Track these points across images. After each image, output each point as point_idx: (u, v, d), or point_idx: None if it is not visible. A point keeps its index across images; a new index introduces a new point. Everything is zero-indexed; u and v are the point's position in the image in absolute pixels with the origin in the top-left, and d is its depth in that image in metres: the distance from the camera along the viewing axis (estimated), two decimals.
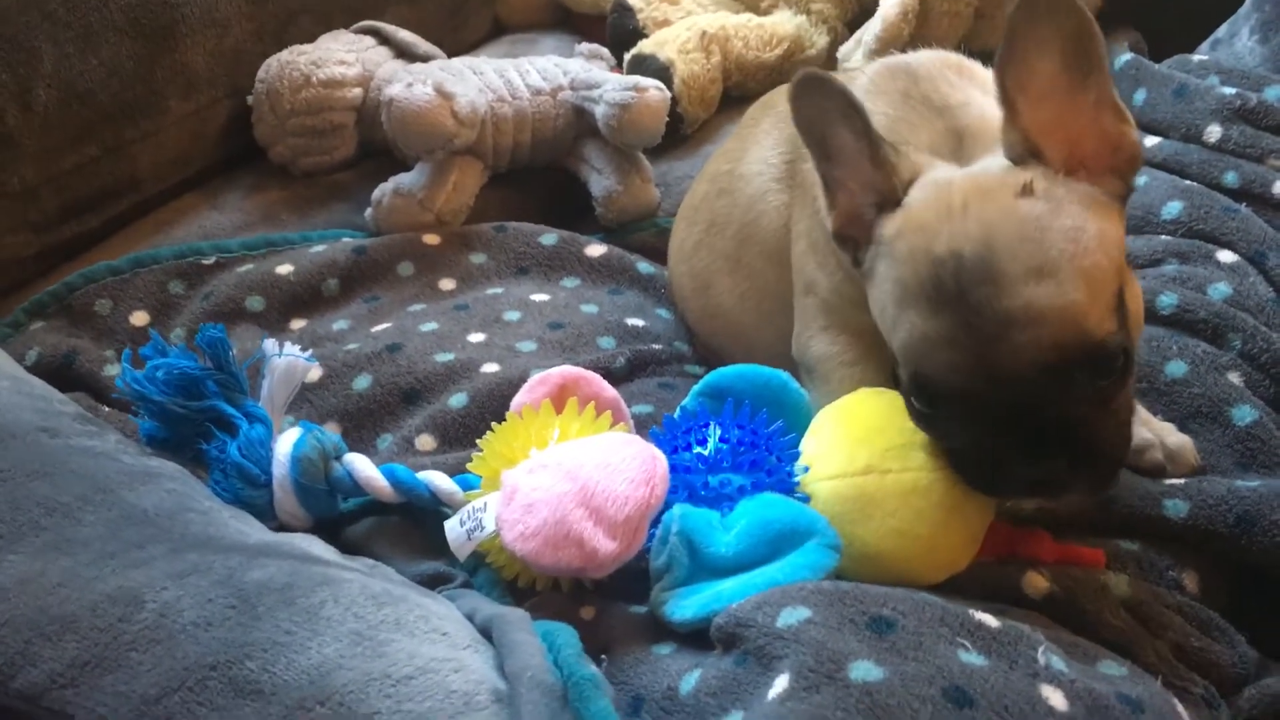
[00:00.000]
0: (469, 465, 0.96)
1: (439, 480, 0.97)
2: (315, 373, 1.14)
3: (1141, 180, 1.26)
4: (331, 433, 1.02)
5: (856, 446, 0.86)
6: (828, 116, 0.84)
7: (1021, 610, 0.83)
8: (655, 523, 0.87)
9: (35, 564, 0.73)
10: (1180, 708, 0.76)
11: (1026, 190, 0.78)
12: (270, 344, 1.03)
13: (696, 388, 0.99)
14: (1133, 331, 0.79)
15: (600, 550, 0.82)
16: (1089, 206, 0.78)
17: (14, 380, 0.97)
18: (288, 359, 1.03)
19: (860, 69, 1.04)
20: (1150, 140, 1.31)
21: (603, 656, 0.77)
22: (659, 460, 0.86)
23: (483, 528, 0.89)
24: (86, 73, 1.34)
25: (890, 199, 0.84)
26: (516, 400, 1.01)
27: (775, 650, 0.71)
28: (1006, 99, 0.79)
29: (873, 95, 0.97)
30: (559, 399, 0.98)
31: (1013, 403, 0.76)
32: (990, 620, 0.75)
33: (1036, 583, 0.85)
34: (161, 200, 1.46)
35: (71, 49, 1.33)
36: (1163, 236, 1.20)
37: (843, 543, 0.82)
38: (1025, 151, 0.80)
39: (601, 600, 0.90)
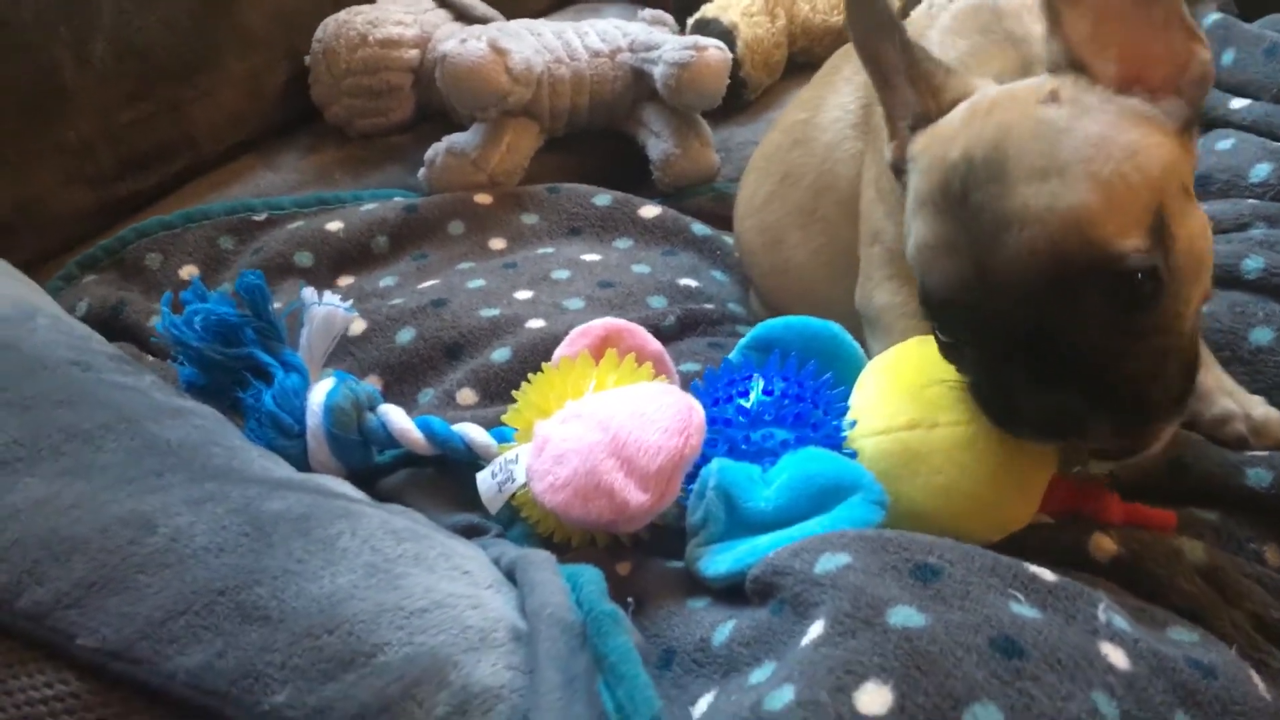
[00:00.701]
0: (503, 417, 0.93)
1: (474, 432, 0.94)
2: (359, 325, 1.12)
3: (1229, 143, 1.21)
4: (367, 384, 1.00)
5: (903, 399, 0.81)
6: (876, 33, 0.80)
7: (1086, 574, 0.78)
8: (693, 477, 0.83)
9: (51, 487, 0.71)
10: (1257, 678, 0.69)
11: (1052, 96, 0.73)
12: (309, 293, 1.01)
13: (743, 341, 0.95)
14: (1181, 261, 0.71)
15: (631, 502, 0.78)
16: (1129, 119, 0.72)
17: (53, 319, 0.96)
18: (326, 308, 1.01)
19: (945, 6, 0.99)
20: (1238, 102, 1.25)
21: (629, 600, 0.73)
22: (695, 410, 0.82)
23: (514, 480, 0.86)
24: (144, 29, 1.34)
25: (924, 117, 0.79)
26: (557, 353, 0.97)
27: (811, 597, 0.67)
28: (1050, 9, 0.74)
29: (952, 32, 0.93)
30: (601, 351, 0.95)
31: (1017, 321, 0.70)
32: (1046, 574, 0.69)
33: (1103, 544, 0.80)
34: (218, 161, 1.46)
35: (130, 4, 1.33)
36: (1250, 200, 1.14)
37: (889, 500, 0.77)
38: (1066, 62, 0.75)
39: (638, 556, 0.87)
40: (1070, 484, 0.83)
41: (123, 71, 1.33)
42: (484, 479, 0.88)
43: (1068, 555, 0.80)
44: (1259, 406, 0.91)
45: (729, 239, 1.30)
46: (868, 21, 0.81)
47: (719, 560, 0.77)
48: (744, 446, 0.85)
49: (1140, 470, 0.87)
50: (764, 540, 0.77)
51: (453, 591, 0.68)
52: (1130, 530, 0.82)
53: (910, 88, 0.81)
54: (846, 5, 0.81)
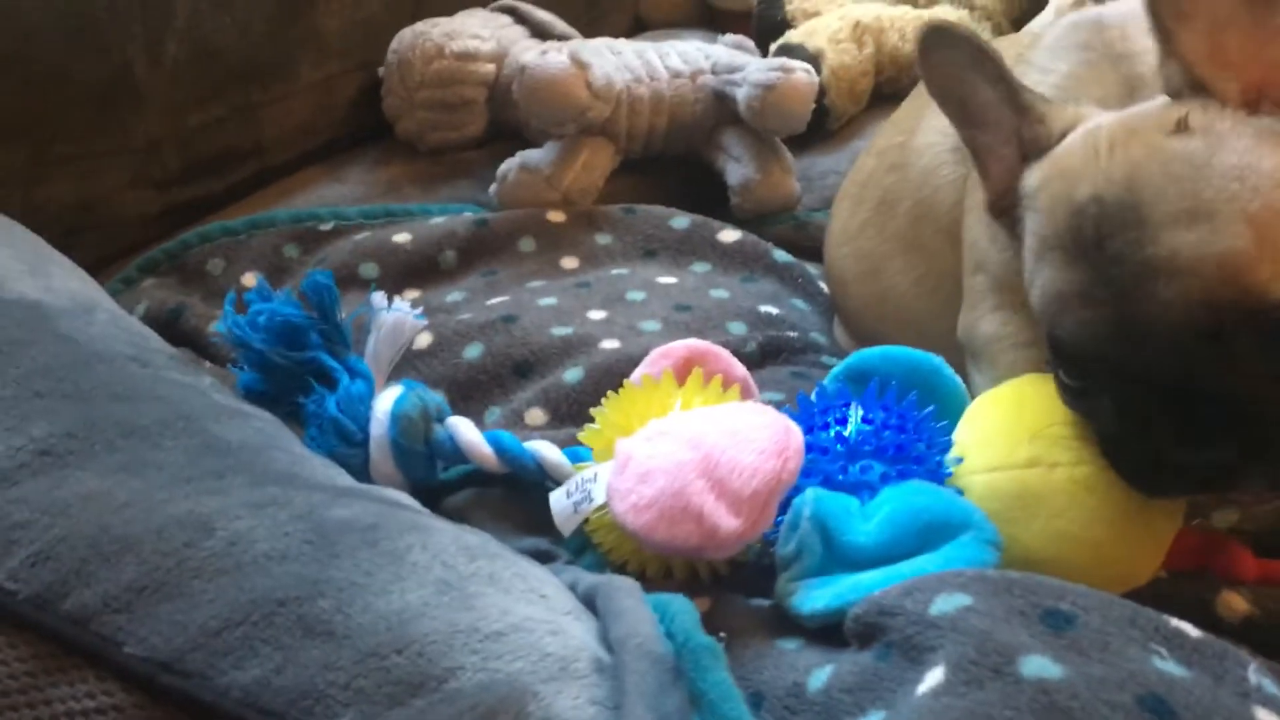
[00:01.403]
0: (580, 435, 0.87)
1: (547, 451, 0.88)
2: (424, 339, 1.08)
3: None
4: (435, 394, 0.94)
5: (1020, 435, 0.75)
6: (960, 70, 0.75)
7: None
8: (785, 507, 0.77)
9: (105, 482, 0.66)
10: None
11: (1180, 126, 0.67)
12: (378, 298, 0.96)
13: (836, 369, 0.89)
14: None
15: (721, 527, 0.72)
16: (1267, 142, 0.66)
17: (112, 314, 0.92)
18: (395, 314, 0.96)
19: (1045, 30, 0.94)
20: None
21: (721, 635, 0.66)
22: (793, 432, 0.76)
23: (591, 499, 0.80)
24: (219, 30, 1.32)
25: (1036, 148, 0.74)
26: (636, 373, 0.92)
27: (927, 640, 0.60)
28: (1160, 28, 0.69)
29: (1053, 54, 0.88)
30: (684, 373, 0.89)
31: (1164, 373, 0.65)
32: (1190, 629, 0.63)
33: (1234, 603, 0.73)
34: (285, 169, 1.43)
35: (205, 4, 1.30)
36: None
37: (1003, 540, 0.71)
38: (1186, 85, 0.69)
39: (718, 592, 0.81)
40: (1197, 536, 0.76)
41: (194, 73, 1.31)
42: (558, 498, 0.82)
43: (1191, 613, 0.73)
44: None
45: (812, 268, 1.24)
46: (949, 57, 0.76)
47: (816, 595, 0.70)
48: (840, 478, 0.78)
49: (1268, 524, 0.81)
50: (867, 577, 0.70)
51: (530, 615, 0.62)
52: (1263, 589, 0.75)
53: (1016, 117, 0.75)
54: (920, 42, 0.75)
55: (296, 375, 0.94)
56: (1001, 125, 0.76)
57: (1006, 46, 0.91)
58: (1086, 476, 0.72)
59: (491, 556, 0.67)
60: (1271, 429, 0.65)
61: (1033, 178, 0.74)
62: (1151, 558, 0.73)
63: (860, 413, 0.82)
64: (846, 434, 0.80)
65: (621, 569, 0.81)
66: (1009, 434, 0.76)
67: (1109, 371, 0.68)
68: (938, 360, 0.87)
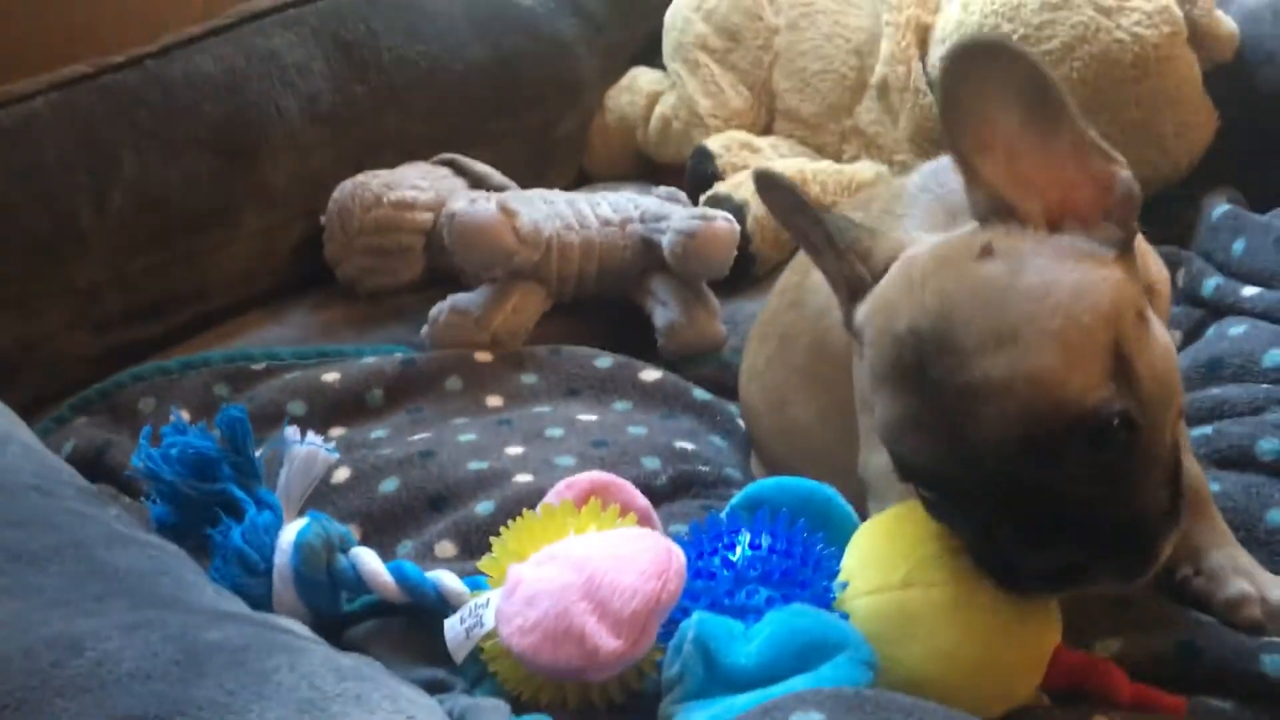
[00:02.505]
0: (479, 564, 0.89)
1: (447, 580, 0.90)
2: (343, 473, 1.10)
3: (1242, 329, 1.20)
4: (340, 525, 0.96)
5: (896, 558, 0.77)
6: (788, 211, 0.82)
7: None
8: (673, 632, 0.78)
9: None
10: None
11: (985, 252, 0.71)
12: (291, 432, 0.99)
13: (733, 500, 0.91)
14: (1149, 391, 0.69)
15: (602, 648, 0.73)
16: (1068, 259, 0.70)
17: (25, 447, 0.94)
18: (308, 448, 0.98)
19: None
20: (1250, 290, 1.25)
21: None
22: (675, 554, 0.78)
23: (482, 624, 0.81)
24: (165, 182, 1.37)
25: (861, 286, 0.79)
26: (541, 504, 0.94)
27: None
28: (962, 161, 0.73)
29: (912, 198, 0.94)
30: (585, 504, 0.91)
31: (998, 487, 0.68)
32: None
33: None
34: (226, 313, 1.47)
35: (153, 158, 1.36)
36: (1264, 385, 1.12)
37: (882, 666, 0.72)
38: (991, 210, 0.73)
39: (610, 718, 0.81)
40: (1076, 657, 0.78)
41: (139, 221, 1.36)
42: (451, 625, 0.83)
43: None
44: (1276, 589, 0.86)
45: (732, 406, 1.27)
46: (777, 198, 0.82)
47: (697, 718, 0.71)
48: (727, 602, 0.80)
49: (1150, 654, 0.82)
50: (742, 699, 0.71)
51: None
52: (1134, 715, 0.76)
53: (837, 261, 0.80)
54: (755, 183, 0.82)
55: (206, 506, 0.96)
56: (819, 244, 0.81)
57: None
58: (959, 595, 0.73)
59: (362, 679, 0.68)
60: (1108, 523, 0.68)
61: (861, 313, 0.78)
62: (1029, 674, 0.74)
63: (748, 539, 0.83)
64: (734, 559, 0.82)
65: (517, 700, 0.82)
66: (888, 557, 0.78)
67: (951, 489, 0.71)
68: (830, 490, 0.89)
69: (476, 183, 1.56)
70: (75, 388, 1.32)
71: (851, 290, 0.80)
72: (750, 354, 1.19)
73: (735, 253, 1.39)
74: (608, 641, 0.74)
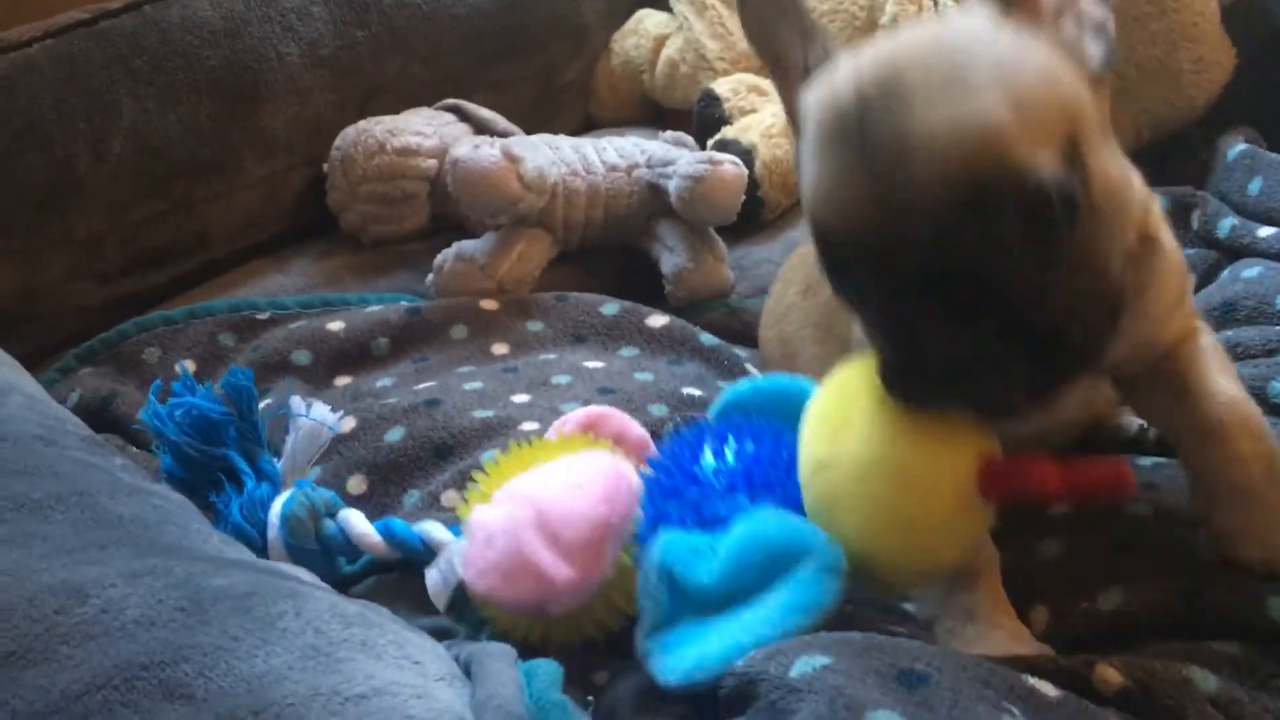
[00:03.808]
0: (458, 509, 0.88)
1: (434, 531, 0.89)
2: (349, 423, 1.09)
3: (1256, 271, 1.18)
4: (326, 490, 0.96)
5: (820, 439, 0.74)
6: (774, 22, 0.77)
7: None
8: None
9: None
10: None
11: (954, 22, 0.68)
12: (297, 402, 0.98)
13: (714, 407, 0.89)
14: (1099, 201, 0.65)
15: (558, 579, 0.74)
16: (1042, 47, 0.66)
17: (28, 398, 0.93)
18: (312, 423, 0.97)
19: None
20: (1265, 230, 1.23)
21: (589, 699, 0.67)
22: (624, 476, 0.78)
23: (455, 571, 0.82)
24: (164, 129, 1.35)
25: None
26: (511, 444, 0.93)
27: (788, 704, 0.61)
28: None
29: None
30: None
31: (923, 252, 0.62)
32: (1048, 689, 0.63)
33: (1108, 676, 0.72)
34: (229, 262, 1.46)
35: (151, 104, 1.34)
36: (1278, 327, 1.10)
37: (844, 554, 0.69)
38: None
39: (615, 664, 0.81)
40: (999, 465, 0.71)
41: (139, 169, 1.34)
42: (431, 575, 0.84)
43: (1069, 688, 0.73)
44: None
45: (739, 351, 1.26)
46: (764, 10, 0.76)
47: (672, 666, 0.69)
48: (697, 517, 0.77)
49: (1153, 602, 0.81)
50: (713, 641, 0.69)
51: (397, 680, 0.62)
52: (1136, 660, 0.75)
53: (804, 46, 0.75)
54: None
55: (209, 469, 0.97)
56: (797, 67, 0.76)
57: None
58: (869, 452, 0.70)
59: (368, 625, 0.68)
60: (1032, 313, 0.63)
61: (809, 95, 0.71)
62: (956, 495, 0.69)
63: (721, 448, 0.80)
64: (703, 471, 0.79)
65: (506, 638, 0.81)
66: (808, 446, 0.75)
67: (870, 260, 0.65)
68: (807, 385, 0.84)
69: (480, 128, 1.54)
70: (79, 339, 1.31)
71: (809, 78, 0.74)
72: (773, 298, 1.17)
73: (743, 197, 1.37)
74: (562, 571, 0.74)
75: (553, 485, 0.76)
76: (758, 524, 0.72)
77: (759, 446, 0.79)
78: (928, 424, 0.68)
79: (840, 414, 0.72)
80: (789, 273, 1.15)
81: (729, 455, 0.78)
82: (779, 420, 0.81)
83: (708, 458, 0.78)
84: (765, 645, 0.65)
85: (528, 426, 1.06)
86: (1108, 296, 0.67)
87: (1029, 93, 0.63)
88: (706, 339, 1.26)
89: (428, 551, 0.87)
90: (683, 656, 0.69)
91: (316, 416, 0.98)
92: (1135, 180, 0.75)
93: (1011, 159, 0.61)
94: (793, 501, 0.75)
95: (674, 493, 0.77)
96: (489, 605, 0.78)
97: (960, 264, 0.62)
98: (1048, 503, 0.72)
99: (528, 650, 0.81)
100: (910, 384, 0.66)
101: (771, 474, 0.77)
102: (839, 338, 1.03)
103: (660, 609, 0.71)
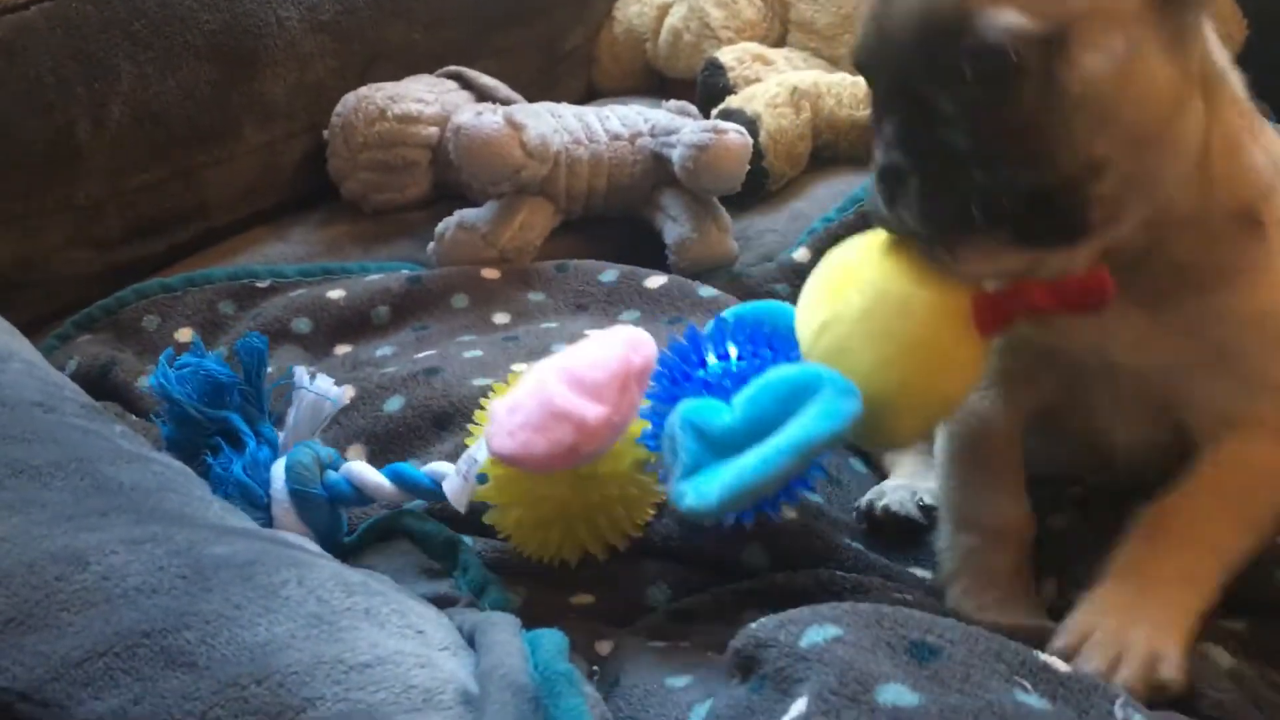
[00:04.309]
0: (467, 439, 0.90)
1: (441, 467, 0.89)
2: (348, 392, 1.08)
3: None
4: (328, 447, 0.95)
5: (816, 310, 0.79)
6: None
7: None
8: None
9: None
10: None
11: None
12: (300, 373, 0.97)
13: (707, 328, 0.90)
14: (1079, 95, 0.67)
15: (588, 416, 0.77)
16: None
17: (27, 364, 0.93)
18: (314, 397, 0.96)
19: None
20: None
21: (594, 668, 0.66)
22: (637, 330, 0.83)
23: (476, 460, 0.84)
24: (162, 94, 1.34)
25: None
26: None
27: (796, 672, 0.60)
28: None
29: None
30: None
31: (894, 73, 0.72)
32: (1059, 664, 0.63)
33: None
34: (229, 230, 1.44)
35: (150, 69, 1.33)
36: None
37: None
38: None
39: (619, 635, 0.81)
40: (988, 298, 0.76)
41: (138, 136, 1.33)
42: (450, 479, 0.86)
43: None
44: None
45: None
46: None
47: (706, 491, 0.72)
48: (712, 390, 0.81)
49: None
50: (748, 459, 0.72)
51: (400, 649, 0.62)
52: None
53: None
54: None
55: (208, 432, 0.96)
56: None
57: None
58: (861, 303, 0.75)
59: (371, 593, 0.67)
60: (948, 146, 0.69)
61: None
62: (960, 340, 0.74)
63: (717, 349, 0.85)
64: (708, 370, 0.83)
65: (519, 556, 0.87)
66: (818, 305, 0.79)
67: (870, 80, 0.75)
68: (788, 306, 0.89)
69: (483, 96, 1.52)
70: (78, 306, 1.30)
71: None
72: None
73: (747, 167, 1.36)
74: (592, 409, 0.77)
75: (569, 352, 0.81)
76: (772, 373, 0.76)
77: (756, 345, 0.83)
78: (926, 269, 0.74)
79: (842, 277, 0.78)
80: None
81: (731, 354, 0.83)
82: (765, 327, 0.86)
83: (711, 360, 0.83)
84: (800, 450, 0.70)
85: None
86: (1052, 182, 0.69)
87: None
88: (705, 291, 1.25)
89: (437, 488, 0.87)
90: (718, 477, 0.71)
91: (319, 389, 0.97)
92: (1236, 139, 0.78)
93: (966, 5, 0.67)
94: None
95: (685, 378, 0.82)
96: (516, 474, 0.82)
97: (913, 90, 0.70)
98: (1039, 315, 0.76)
99: (529, 623, 0.81)
100: (881, 188, 0.73)
101: (766, 368, 0.80)
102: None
103: (690, 455, 0.74)
